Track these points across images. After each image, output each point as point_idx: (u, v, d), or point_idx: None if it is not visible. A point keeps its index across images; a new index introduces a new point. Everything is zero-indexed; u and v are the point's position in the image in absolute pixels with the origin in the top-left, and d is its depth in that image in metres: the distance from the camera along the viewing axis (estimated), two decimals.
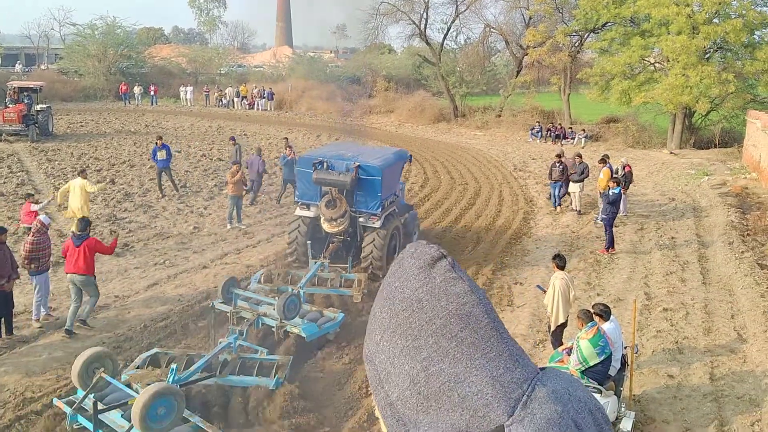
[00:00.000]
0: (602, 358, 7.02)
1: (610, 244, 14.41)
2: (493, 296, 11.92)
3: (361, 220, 12.40)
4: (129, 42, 52.02)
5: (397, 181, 13.98)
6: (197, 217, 16.91)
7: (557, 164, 17.91)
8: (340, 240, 12.60)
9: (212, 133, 32.59)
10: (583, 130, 32.74)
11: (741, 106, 28.18)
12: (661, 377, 8.87)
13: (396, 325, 0.84)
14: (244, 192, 16.96)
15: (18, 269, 9.99)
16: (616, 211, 14.57)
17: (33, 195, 13.78)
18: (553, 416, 0.76)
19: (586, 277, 12.87)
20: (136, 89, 46.34)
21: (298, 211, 12.85)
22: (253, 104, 46.30)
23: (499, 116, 38.26)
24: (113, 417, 6.82)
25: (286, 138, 23.90)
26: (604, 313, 7.65)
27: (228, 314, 9.70)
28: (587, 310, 7.63)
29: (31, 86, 30.26)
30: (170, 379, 7.09)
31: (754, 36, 28.02)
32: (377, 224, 12.26)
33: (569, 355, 7.41)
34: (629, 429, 6.97)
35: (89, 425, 6.77)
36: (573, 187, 17.71)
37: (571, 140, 31.94)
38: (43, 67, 62.17)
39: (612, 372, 7.27)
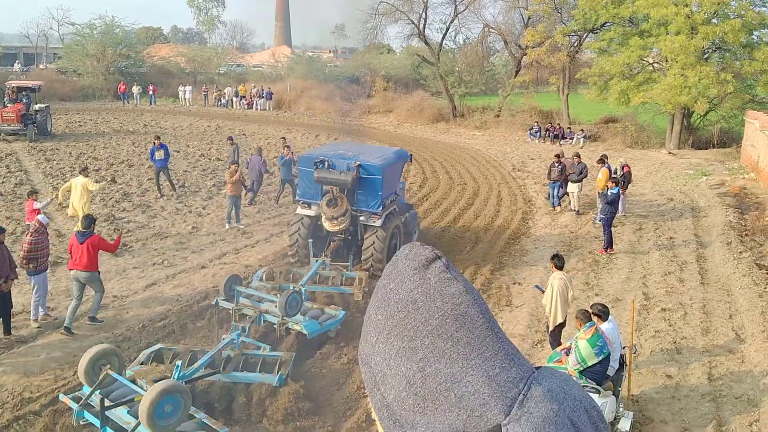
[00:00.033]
0: (600, 358, 7.03)
1: (609, 244, 14.42)
2: (492, 296, 11.93)
3: (361, 218, 12.46)
4: (128, 41, 51.95)
5: (398, 181, 14.04)
6: (196, 216, 16.90)
7: (556, 164, 17.92)
8: (341, 239, 12.67)
9: (211, 133, 32.57)
10: (582, 130, 32.74)
11: (739, 107, 28.21)
12: (659, 377, 8.88)
13: (392, 327, 0.84)
14: (244, 192, 16.97)
15: (16, 269, 9.98)
16: (614, 211, 14.58)
17: (36, 192, 13.76)
18: (550, 414, 0.77)
19: (584, 277, 12.88)
20: (135, 89, 46.29)
21: (300, 210, 12.92)
22: (252, 104, 46.28)
23: (498, 116, 38.27)
24: (119, 413, 6.90)
25: (284, 137, 23.95)
26: (603, 313, 7.65)
27: (230, 311, 9.81)
28: (585, 311, 7.63)
29: (30, 86, 30.24)
30: (175, 375, 7.16)
31: (753, 36, 28.03)
32: (378, 223, 12.33)
33: (568, 355, 7.42)
34: (627, 429, 6.98)
35: (96, 421, 6.83)
36: (571, 187, 17.72)
37: (570, 140, 31.94)
38: (41, 66, 62.12)
39: (610, 372, 7.28)
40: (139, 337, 9.82)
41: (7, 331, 9.74)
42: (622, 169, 17.59)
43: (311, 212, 12.68)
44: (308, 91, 47.74)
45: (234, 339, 8.35)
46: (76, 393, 7.37)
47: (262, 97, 46.12)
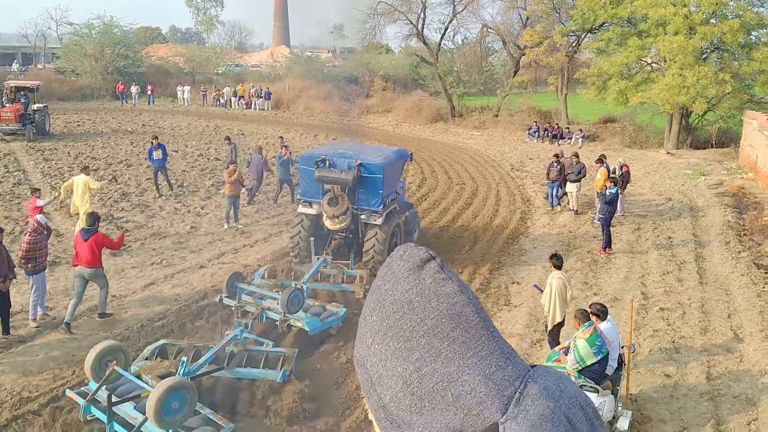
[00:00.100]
0: (599, 357, 7.04)
1: (607, 243, 14.43)
2: (491, 296, 11.95)
3: (362, 217, 12.58)
4: (126, 41, 51.87)
5: (398, 180, 14.13)
6: (194, 216, 16.90)
7: (555, 164, 17.93)
8: (342, 237, 12.80)
9: (209, 133, 32.55)
10: (580, 130, 32.76)
11: (738, 107, 28.23)
12: (657, 376, 8.89)
13: (387, 328, 0.84)
14: (244, 191, 16.98)
15: (15, 269, 9.98)
16: (613, 211, 14.59)
17: (38, 190, 13.77)
18: (546, 412, 0.77)
19: (583, 277, 12.89)
20: (133, 89, 46.22)
21: (301, 209, 13.02)
22: (251, 104, 46.25)
23: (497, 116, 38.27)
24: (126, 409, 6.99)
25: (282, 137, 23.93)
26: (601, 313, 7.66)
27: (232, 308, 9.91)
28: (584, 310, 7.63)
29: (28, 86, 30.19)
30: (181, 371, 7.25)
31: (751, 36, 28.05)
32: (379, 221, 12.44)
33: (566, 354, 7.43)
34: (626, 428, 6.98)
35: (102, 416, 6.92)
36: (570, 187, 17.73)
37: (568, 140, 31.96)
38: (40, 66, 62.07)
39: (609, 371, 7.29)
40: (138, 337, 9.82)
41: (6, 330, 9.74)
42: (621, 168, 17.60)
43: (312, 211, 12.77)
44: (307, 91, 47.71)
45: (237, 335, 8.47)
46: (82, 388, 7.47)
47: (261, 97, 46.10)
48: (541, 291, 9.52)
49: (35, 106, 28.79)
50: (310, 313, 9.68)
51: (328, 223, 12.34)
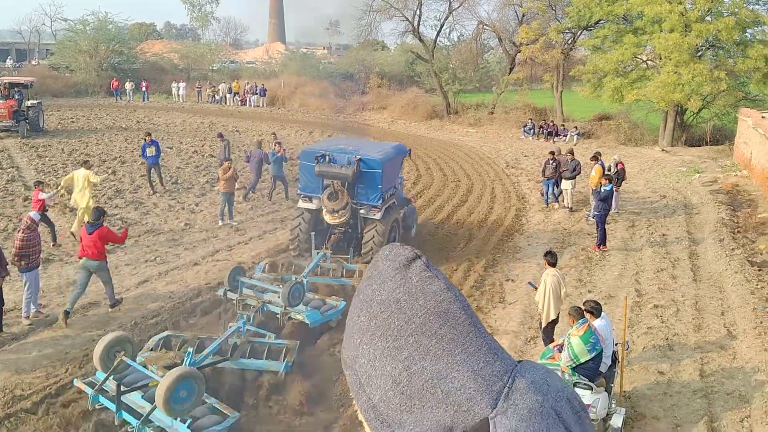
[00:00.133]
0: (593, 354, 7.05)
1: (602, 241, 14.47)
2: (485, 293, 11.96)
3: (362, 212, 12.74)
4: (121, 37, 51.73)
5: (397, 175, 14.25)
6: (188, 213, 16.86)
7: (551, 161, 17.95)
8: (342, 231, 13.01)
9: (204, 130, 32.47)
10: (576, 127, 32.84)
11: (732, 104, 28.32)
12: (651, 374, 8.92)
13: (375, 327, 0.84)
14: (247, 189, 17.05)
15: (8, 266, 9.94)
16: (607, 208, 14.63)
17: (42, 183, 13.74)
18: (535, 406, 0.77)
19: (577, 274, 12.91)
20: (128, 85, 46.12)
21: (301, 204, 13.19)
22: (245, 100, 46.19)
23: (492, 113, 38.31)
24: (134, 398, 7.14)
25: (275, 134, 23.86)
26: (595, 310, 7.67)
27: (234, 302, 10.07)
28: (578, 307, 7.65)
29: (22, 82, 30.05)
30: (186, 362, 7.39)
31: (746, 34, 28.16)
32: (378, 216, 12.58)
33: (560, 351, 7.45)
34: (620, 425, 7.00)
35: (111, 405, 7.06)
36: (565, 184, 17.76)
37: (564, 137, 32.02)
38: (34, 62, 61.87)
39: (603, 368, 7.30)
40: (132, 334, 9.75)
41: None
42: (616, 166, 17.64)
43: (312, 206, 12.94)
44: (302, 87, 47.69)
45: (240, 327, 8.69)
46: (90, 379, 7.60)
47: (256, 94, 46.04)
48: (536, 288, 9.54)
49: (29, 103, 28.68)
50: (310, 307, 9.84)
51: (327, 218, 12.52)
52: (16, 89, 28.60)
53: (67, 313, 9.93)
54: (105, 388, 7.27)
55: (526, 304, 11.20)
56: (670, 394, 8.36)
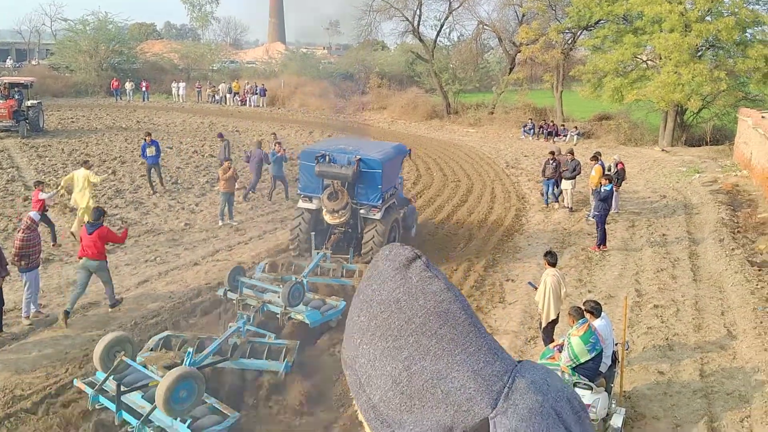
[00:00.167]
0: (593, 354, 7.05)
1: (602, 241, 14.46)
2: (485, 293, 11.96)
3: (362, 212, 12.74)
4: (121, 37, 51.73)
5: (397, 175, 14.25)
6: (188, 213, 16.86)
7: (551, 161, 17.94)
8: (342, 231, 13.00)
9: (204, 130, 32.47)
10: (576, 127, 32.83)
11: (732, 104, 28.32)
12: (651, 374, 8.92)
13: (375, 327, 0.84)
14: (247, 189, 17.05)
15: (7, 266, 9.95)
16: (607, 208, 14.63)
17: (42, 183, 13.74)
18: (535, 405, 0.77)
19: (577, 274, 12.91)
20: (128, 85, 46.11)
21: (301, 204, 13.19)
22: (245, 100, 46.19)
23: (492, 113, 38.30)
24: (134, 398, 7.14)
25: (274, 134, 23.86)
26: (595, 310, 7.67)
27: (234, 302, 10.08)
28: (578, 307, 7.65)
29: (22, 82, 30.06)
30: (187, 362, 7.40)
31: (746, 34, 28.15)
32: (378, 216, 12.58)
33: (560, 351, 7.44)
34: (620, 425, 7.00)
35: (111, 405, 7.06)
36: (565, 184, 17.76)
37: (564, 137, 32.02)
38: (34, 62, 61.86)
39: (603, 368, 7.30)
40: (132, 334, 9.75)
41: None
42: (616, 166, 17.64)
43: (312, 206, 12.95)
44: (302, 87, 47.68)
45: (240, 327, 8.69)
46: (90, 378, 7.59)
47: (256, 94, 46.03)
48: (536, 288, 9.54)
49: (29, 103, 28.68)
50: (310, 307, 9.85)
51: (327, 218, 12.53)
52: (16, 89, 28.60)
53: (67, 313, 9.93)
54: (105, 388, 7.28)
55: (526, 304, 11.20)
56: (670, 394, 8.36)
